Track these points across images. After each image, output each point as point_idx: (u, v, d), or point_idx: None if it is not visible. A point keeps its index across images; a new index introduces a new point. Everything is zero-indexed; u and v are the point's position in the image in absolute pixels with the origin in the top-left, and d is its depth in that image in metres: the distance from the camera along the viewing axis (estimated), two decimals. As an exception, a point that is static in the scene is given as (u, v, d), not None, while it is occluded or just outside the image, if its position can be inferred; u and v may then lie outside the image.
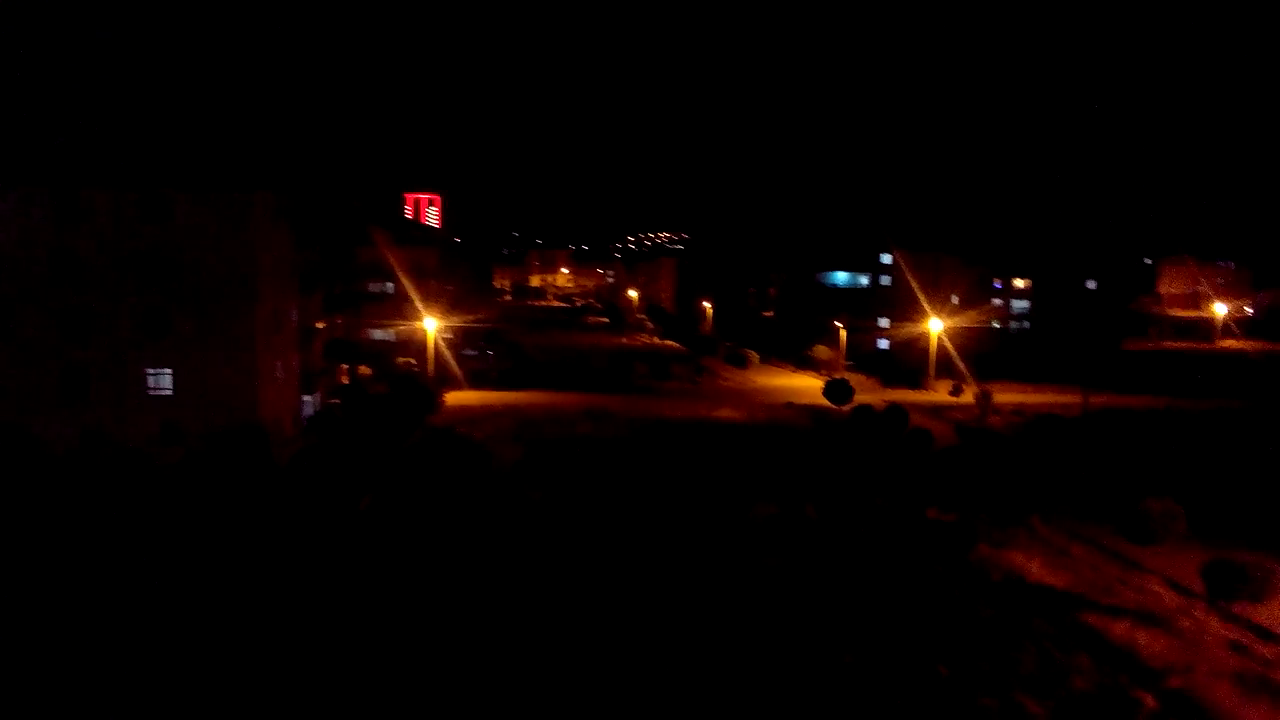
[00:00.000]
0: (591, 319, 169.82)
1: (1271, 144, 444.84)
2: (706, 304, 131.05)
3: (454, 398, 67.19)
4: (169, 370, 45.81)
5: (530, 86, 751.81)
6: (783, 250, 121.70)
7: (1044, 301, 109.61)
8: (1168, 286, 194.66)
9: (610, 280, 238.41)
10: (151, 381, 45.83)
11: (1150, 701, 22.83)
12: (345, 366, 68.63)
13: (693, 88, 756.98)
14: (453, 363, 75.51)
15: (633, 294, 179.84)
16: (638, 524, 37.24)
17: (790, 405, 69.38)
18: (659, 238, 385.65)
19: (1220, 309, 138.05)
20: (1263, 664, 25.22)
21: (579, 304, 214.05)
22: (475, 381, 74.92)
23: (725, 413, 65.31)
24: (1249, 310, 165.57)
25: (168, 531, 34.49)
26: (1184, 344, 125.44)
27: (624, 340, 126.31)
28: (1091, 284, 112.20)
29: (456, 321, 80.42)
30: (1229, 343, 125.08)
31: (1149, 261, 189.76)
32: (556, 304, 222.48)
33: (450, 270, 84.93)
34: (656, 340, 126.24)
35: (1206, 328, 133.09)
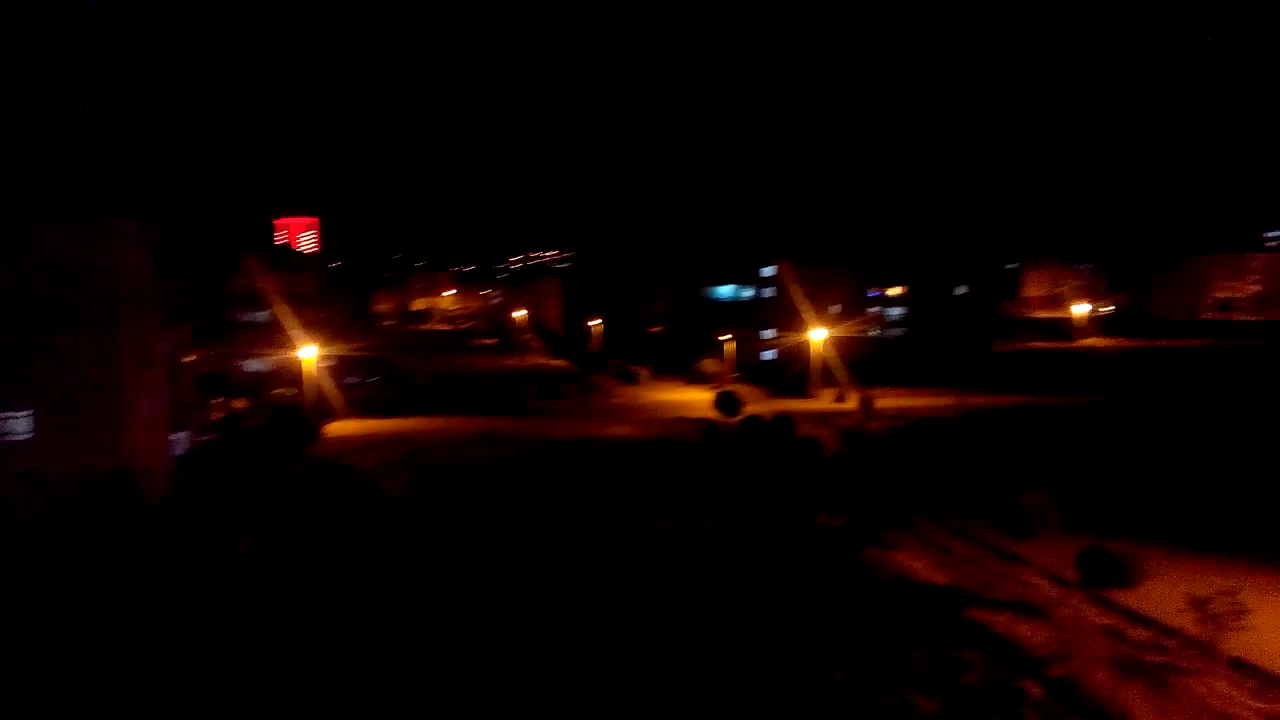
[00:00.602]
0: (478, 341, 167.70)
1: (1124, 150, 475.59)
2: (594, 322, 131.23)
3: (337, 428, 65.10)
4: (26, 413, 42.80)
5: (406, 106, 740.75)
6: (668, 266, 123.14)
7: (918, 307, 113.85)
8: (1032, 289, 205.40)
9: (496, 301, 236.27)
10: (6, 426, 42.75)
11: (1035, 691, 23.62)
12: (218, 400, 65.68)
13: (572, 104, 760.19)
14: (334, 392, 73.18)
15: (519, 314, 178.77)
16: (533, 548, 36.65)
17: (681, 419, 69.84)
18: (544, 257, 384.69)
19: (1080, 309, 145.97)
20: (1136, 647, 26.44)
21: (464, 326, 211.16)
22: (359, 410, 72.76)
23: (617, 430, 65.25)
24: (1106, 310, 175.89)
25: (15, 590, 32.06)
26: (1048, 344, 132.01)
27: (512, 361, 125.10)
28: (961, 289, 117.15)
29: (337, 349, 78.12)
30: (1089, 341, 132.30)
31: (1014, 266, 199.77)
32: (441, 327, 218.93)
33: (329, 296, 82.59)
34: (545, 360, 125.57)
35: (1068, 327, 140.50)
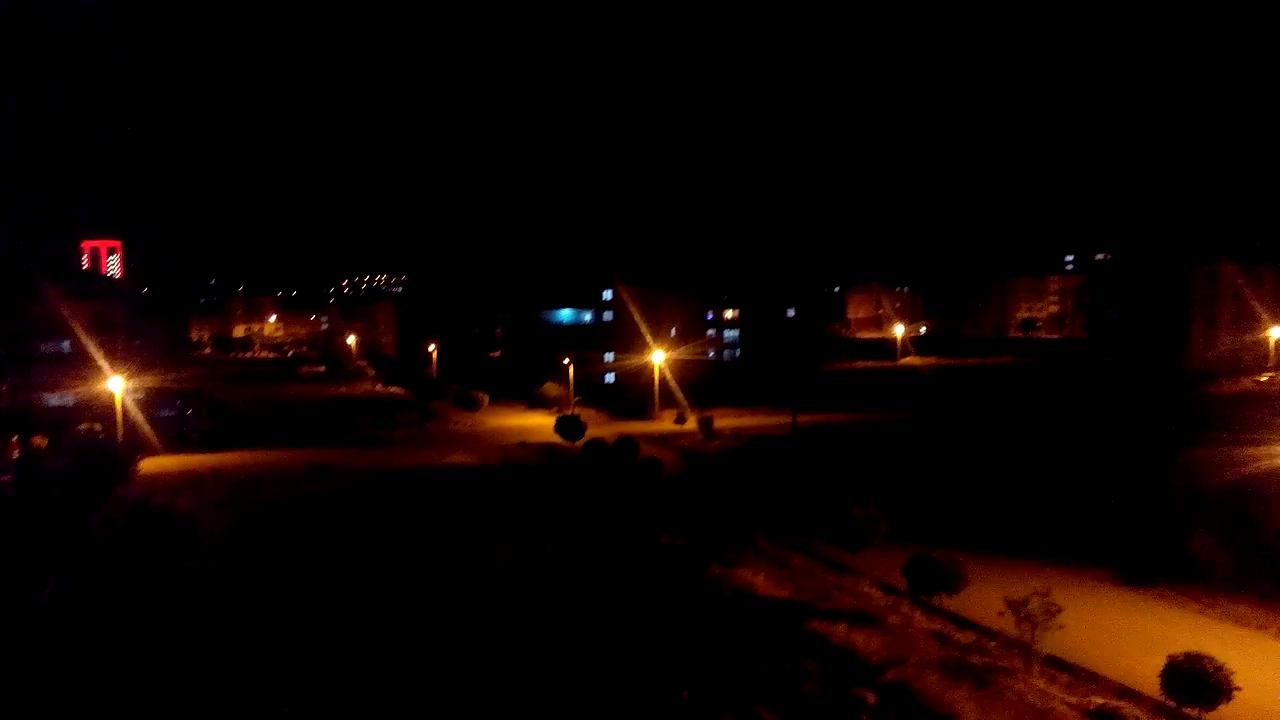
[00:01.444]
0: (306, 369, 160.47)
1: (936, 179, 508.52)
2: (432, 347, 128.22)
3: (151, 465, 60.48)
4: None
5: (221, 121, 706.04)
6: (508, 290, 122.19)
7: (752, 330, 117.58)
8: (856, 311, 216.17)
9: (325, 327, 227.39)
10: None
11: (871, 697, 24.42)
12: (15, 438, 59.95)
13: (400, 123, 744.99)
14: (146, 426, 68.08)
15: (351, 340, 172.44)
16: (367, 586, 35.08)
17: (523, 445, 69.06)
18: (377, 280, 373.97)
19: (900, 330, 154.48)
20: (961, 649, 27.86)
21: (291, 354, 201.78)
22: (175, 445, 67.90)
23: (457, 457, 63.78)
24: (923, 330, 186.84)
25: None
26: (872, 363, 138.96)
27: (344, 390, 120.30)
28: (791, 312, 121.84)
29: (150, 380, 72.84)
30: (908, 360, 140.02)
31: (839, 289, 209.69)
32: (265, 355, 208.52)
33: (139, 324, 76.99)
34: (379, 388, 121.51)
35: (890, 347, 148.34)
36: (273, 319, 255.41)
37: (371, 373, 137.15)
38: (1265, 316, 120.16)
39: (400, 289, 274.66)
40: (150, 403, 72.85)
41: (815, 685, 25.32)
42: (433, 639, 29.32)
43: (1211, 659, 22.14)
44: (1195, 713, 22.34)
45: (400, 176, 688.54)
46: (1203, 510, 40.48)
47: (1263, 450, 41.12)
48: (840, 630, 29.00)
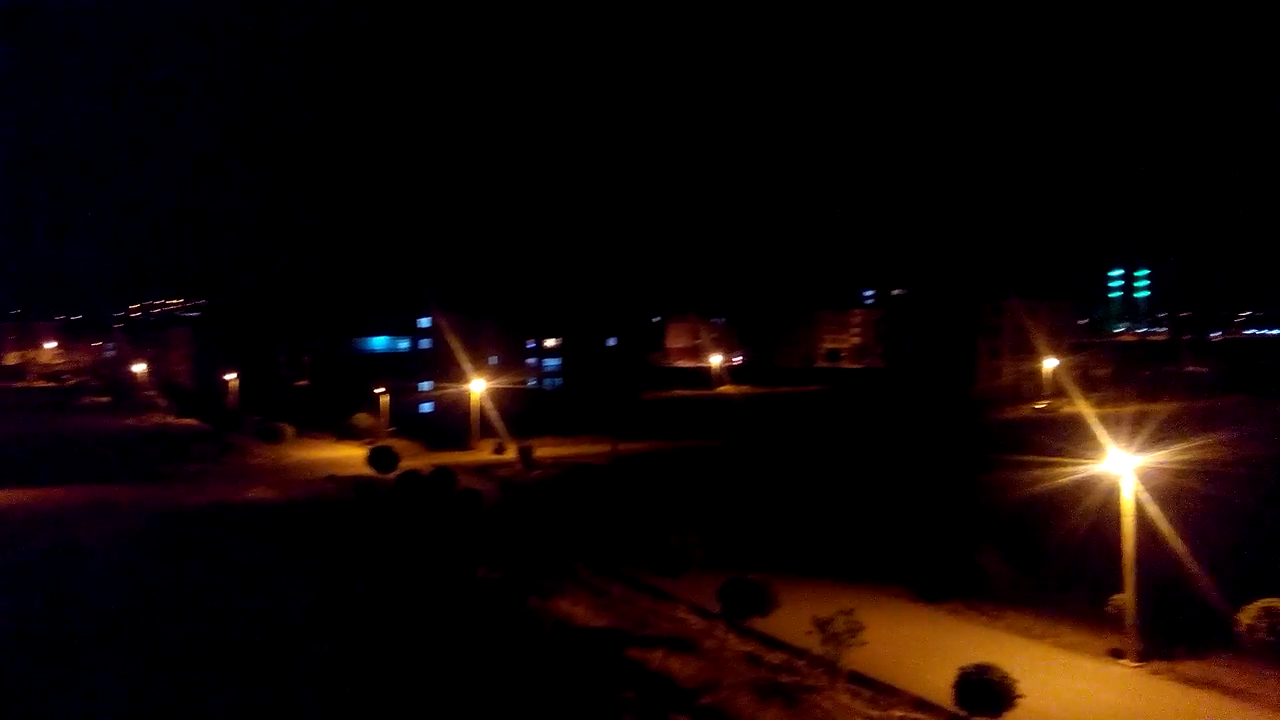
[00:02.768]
0: (89, 399, 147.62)
1: (749, 214, 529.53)
2: (231, 376, 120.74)
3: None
4: None
5: None
6: (317, 316, 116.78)
7: (573, 358, 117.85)
8: (674, 341, 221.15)
9: (111, 354, 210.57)
10: None
11: (687, 723, 24.50)
12: None
13: (192, 139, 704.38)
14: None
15: (140, 368, 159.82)
16: (145, 642, 32.06)
17: (332, 478, 65.89)
18: (170, 305, 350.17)
19: (716, 360, 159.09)
20: (772, 670, 28.45)
21: (71, 383, 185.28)
22: (-72, 484, 60.58)
23: (257, 493, 60.01)
24: (738, 360, 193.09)
25: None
26: (690, 391, 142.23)
27: (132, 421, 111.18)
28: (612, 341, 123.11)
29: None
30: (724, 389, 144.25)
31: (659, 319, 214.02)
32: (42, 384, 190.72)
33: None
34: (172, 419, 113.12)
35: (707, 376, 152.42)
36: (51, 345, 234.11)
37: (164, 403, 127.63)
38: (1042, 349, 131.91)
39: (197, 314, 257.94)
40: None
41: (632, 714, 25.13)
42: (219, 696, 27.09)
43: (998, 669, 23.49)
44: (985, 720, 23.61)
45: (197, 193, 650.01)
46: (991, 528, 43.45)
47: (1044, 472, 44.67)
48: (658, 656, 29.00)
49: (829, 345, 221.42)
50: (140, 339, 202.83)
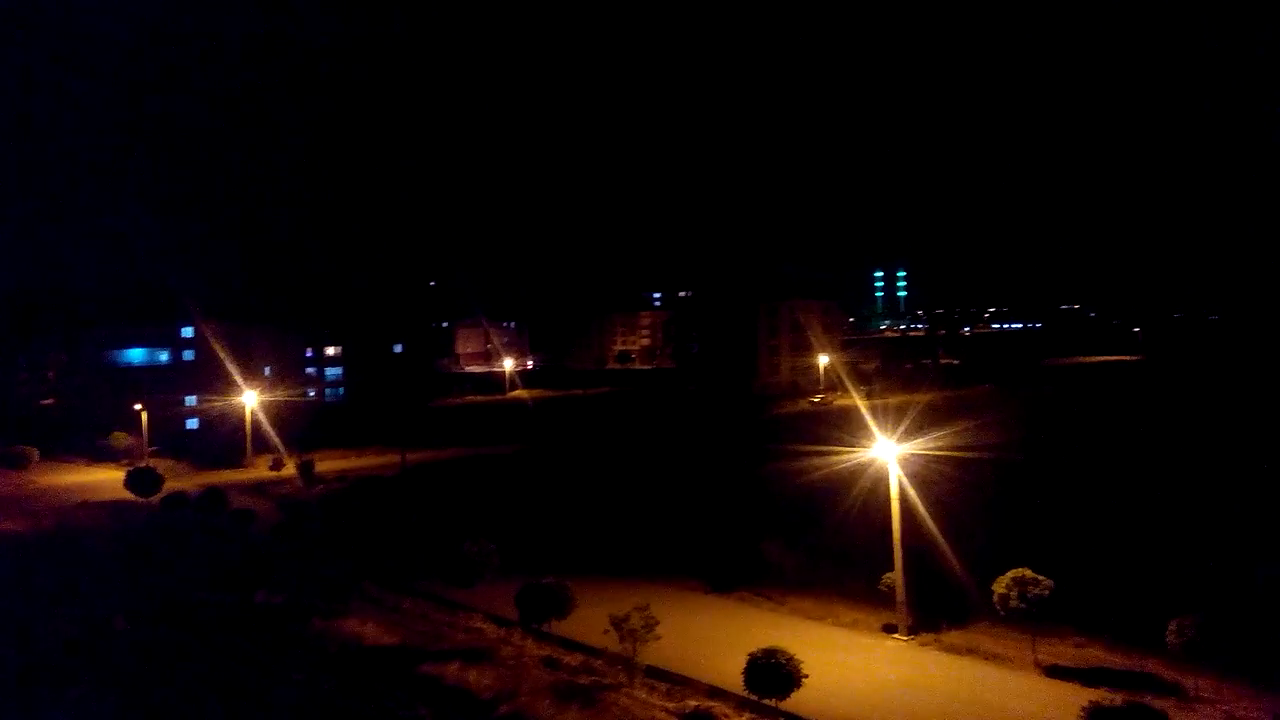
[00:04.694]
0: None
1: (541, 220, 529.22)
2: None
3: None
4: None
5: None
6: (58, 325, 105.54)
7: (356, 367, 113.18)
8: (464, 346, 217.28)
9: None
10: None
11: (485, 734, 23.96)
12: None
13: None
14: None
15: None
16: None
17: (85, 504, 59.76)
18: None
19: (509, 364, 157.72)
20: (570, 672, 28.40)
21: None
22: None
23: (1, 525, 53.49)
24: (530, 364, 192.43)
25: None
26: (482, 397, 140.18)
27: None
28: (398, 347, 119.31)
29: None
30: (517, 393, 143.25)
31: (446, 324, 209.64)
32: None
33: None
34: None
35: (499, 380, 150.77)
36: None
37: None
38: (817, 346, 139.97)
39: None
40: None
41: (428, 732, 24.29)
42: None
43: (784, 651, 24.51)
44: (773, 703, 24.56)
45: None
46: (774, 517, 45.52)
47: (820, 461, 47.39)
48: (453, 669, 28.22)
49: (620, 347, 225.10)
50: None
